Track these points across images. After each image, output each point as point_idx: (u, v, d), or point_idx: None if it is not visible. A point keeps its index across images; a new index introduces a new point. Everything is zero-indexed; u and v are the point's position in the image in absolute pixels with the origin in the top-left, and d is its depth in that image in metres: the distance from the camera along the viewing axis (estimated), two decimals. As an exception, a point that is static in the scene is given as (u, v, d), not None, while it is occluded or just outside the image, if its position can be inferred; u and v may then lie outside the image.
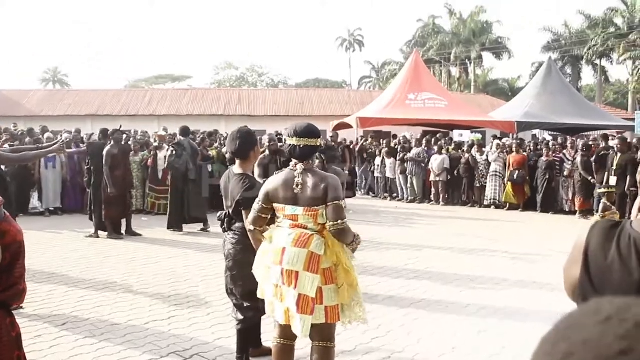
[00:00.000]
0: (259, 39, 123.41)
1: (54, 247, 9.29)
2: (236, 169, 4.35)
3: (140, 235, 9.99)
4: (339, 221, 3.55)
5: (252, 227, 3.85)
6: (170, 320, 5.61)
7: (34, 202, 13.09)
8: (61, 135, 10.38)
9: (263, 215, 3.78)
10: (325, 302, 3.57)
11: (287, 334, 3.77)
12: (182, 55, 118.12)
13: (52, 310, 5.94)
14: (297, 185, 3.63)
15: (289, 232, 3.62)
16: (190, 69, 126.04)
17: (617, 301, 0.58)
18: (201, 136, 14.55)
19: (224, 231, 4.48)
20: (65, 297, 6.40)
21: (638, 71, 41.04)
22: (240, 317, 4.36)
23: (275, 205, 3.72)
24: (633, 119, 22.40)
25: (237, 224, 4.32)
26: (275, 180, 3.78)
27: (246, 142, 4.31)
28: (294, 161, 3.75)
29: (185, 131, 11.16)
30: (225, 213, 4.40)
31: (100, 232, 10.07)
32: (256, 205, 3.80)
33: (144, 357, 4.66)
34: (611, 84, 49.42)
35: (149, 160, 13.09)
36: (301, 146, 3.69)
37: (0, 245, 2.15)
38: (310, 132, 3.75)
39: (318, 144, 3.84)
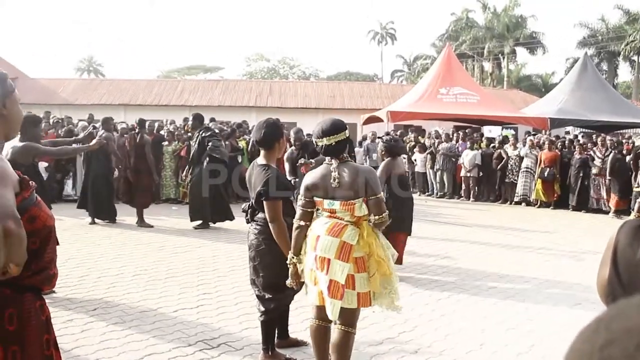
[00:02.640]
0: (290, 31, 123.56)
1: (87, 233, 9.45)
2: (260, 159, 4.39)
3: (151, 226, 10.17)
4: (383, 215, 3.73)
5: (301, 223, 3.89)
6: (199, 309, 5.67)
7: (68, 189, 13.34)
8: (97, 130, 10.45)
9: (308, 210, 3.88)
10: (357, 289, 3.70)
11: (322, 315, 3.87)
12: (214, 46, 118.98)
13: (84, 295, 6.04)
14: (334, 180, 3.75)
15: (325, 221, 3.78)
16: (222, 60, 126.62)
17: None
18: (229, 128, 14.59)
19: (247, 222, 4.52)
20: (96, 283, 6.51)
21: (677, 68, 40.08)
22: (262, 308, 4.39)
23: (315, 199, 3.84)
24: (671, 118, 21.87)
25: (260, 215, 4.35)
26: (313, 175, 3.91)
27: (272, 133, 4.33)
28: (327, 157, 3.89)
29: (199, 119, 10.39)
30: (249, 204, 4.44)
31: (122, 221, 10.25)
32: (300, 201, 3.91)
33: (172, 345, 4.71)
34: (649, 80, 48.32)
35: (182, 151, 13.19)
36: (333, 144, 3.81)
37: (30, 230, 2.19)
38: (335, 127, 3.86)
39: (347, 136, 3.92)
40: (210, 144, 9.68)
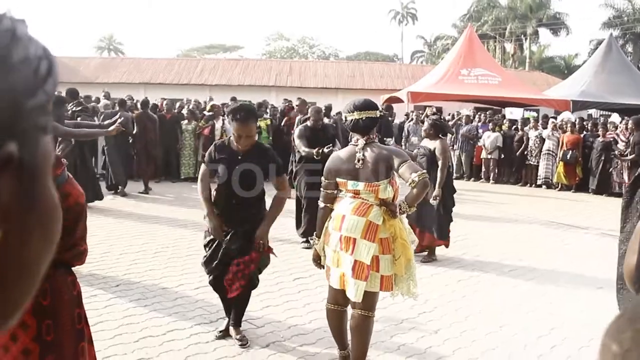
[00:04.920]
0: (310, 10, 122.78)
1: (109, 210, 9.55)
2: None
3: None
4: (422, 171, 3.61)
5: (322, 204, 3.89)
6: (220, 286, 5.71)
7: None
8: (120, 117, 10.59)
9: (330, 191, 3.85)
10: (381, 271, 3.67)
11: (337, 300, 3.87)
12: (234, 25, 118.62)
13: (106, 272, 6.12)
14: (359, 161, 3.72)
15: (350, 201, 3.72)
16: (242, 39, 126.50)
17: None
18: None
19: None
20: (118, 260, 6.59)
21: None
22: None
23: (338, 180, 3.79)
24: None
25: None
26: (337, 156, 3.88)
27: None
28: (355, 136, 3.82)
29: (71, 94, 10.48)
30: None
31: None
32: (323, 183, 3.88)
33: (194, 322, 4.77)
34: (675, 63, 47.46)
35: (206, 130, 13.19)
36: (363, 119, 3.77)
37: (63, 207, 2.22)
38: (368, 104, 3.86)
39: (378, 116, 3.89)
40: (79, 119, 9.46)
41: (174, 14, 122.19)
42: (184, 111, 14.51)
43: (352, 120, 3.80)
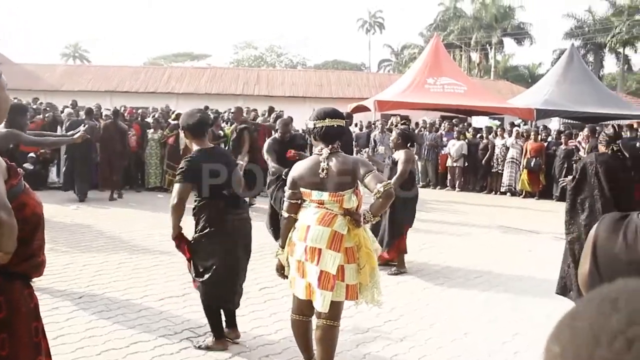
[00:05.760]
0: (278, 19, 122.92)
1: (72, 221, 9.39)
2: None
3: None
4: (386, 182, 3.61)
5: (286, 214, 3.87)
6: (185, 297, 5.66)
7: (53, 176, 13.25)
8: (85, 124, 10.49)
9: (294, 201, 3.82)
10: (346, 280, 3.66)
11: (302, 310, 3.86)
12: (201, 33, 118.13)
13: (69, 283, 6.01)
14: (323, 170, 3.68)
15: (314, 211, 3.70)
16: (210, 47, 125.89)
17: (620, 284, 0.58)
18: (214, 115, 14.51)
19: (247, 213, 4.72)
20: (81, 271, 6.48)
21: (662, 61, 40.33)
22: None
23: (302, 190, 3.76)
24: (656, 110, 22.06)
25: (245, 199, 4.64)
26: (300, 166, 3.84)
27: (205, 122, 4.53)
28: (319, 146, 3.80)
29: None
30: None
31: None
32: (287, 193, 3.86)
33: (158, 334, 4.71)
34: (634, 72, 48.69)
35: (171, 138, 13.09)
36: (335, 126, 3.78)
37: (20, 218, 2.18)
38: (337, 113, 3.90)
39: (345, 125, 3.95)
40: None
41: (141, 22, 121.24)
42: (149, 119, 14.36)
43: (321, 127, 3.77)
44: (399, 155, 6.96)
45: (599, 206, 5.33)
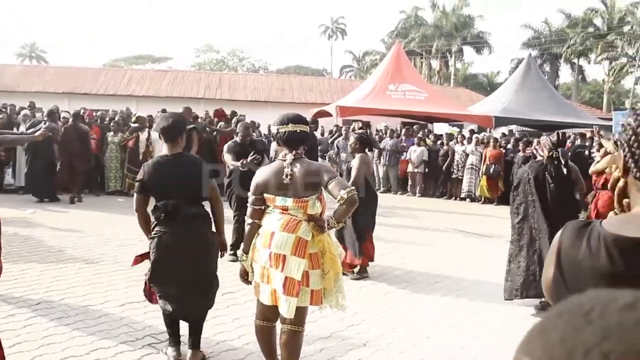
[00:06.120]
0: (240, 23, 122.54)
1: (29, 225, 9.19)
2: (165, 151, 4.28)
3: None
4: (349, 188, 3.62)
5: (249, 220, 3.84)
6: (146, 302, 5.52)
7: (8, 178, 12.94)
8: (44, 122, 10.30)
9: (257, 208, 3.79)
10: (311, 286, 3.67)
11: (266, 316, 3.85)
12: (162, 36, 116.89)
13: (26, 290, 5.87)
14: (287, 176, 3.67)
15: (278, 217, 3.68)
16: (170, 50, 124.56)
17: (590, 295, 0.58)
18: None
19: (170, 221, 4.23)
20: (39, 277, 6.34)
21: (614, 72, 41.67)
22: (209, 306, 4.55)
23: (265, 195, 3.74)
24: (607, 119, 22.79)
25: (194, 210, 4.30)
26: (264, 171, 3.83)
27: (180, 125, 4.34)
28: (283, 151, 3.80)
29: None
30: (171, 203, 4.16)
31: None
32: (250, 199, 3.83)
33: (119, 340, 4.65)
34: (587, 83, 50.15)
35: (130, 141, 12.93)
36: (298, 131, 3.78)
37: None
38: (300, 118, 3.89)
39: (309, 131, 3.95)
40: None
41: (100, 24, 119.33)
42: (107, 122, 14.14)
43: (284, 132, 3.76)
44: (354, 162, 6.98)
45: (531, 211, 5.86)
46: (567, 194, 6.01)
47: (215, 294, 4.51)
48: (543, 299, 5.87)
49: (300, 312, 3.72)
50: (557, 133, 6.42)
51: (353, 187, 3.71)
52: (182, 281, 4.24)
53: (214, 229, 4.40)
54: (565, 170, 6.04)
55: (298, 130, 3.78)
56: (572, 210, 5.89)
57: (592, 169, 8.68)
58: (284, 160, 3.74)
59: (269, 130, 10.96)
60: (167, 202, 4.15)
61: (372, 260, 7.23)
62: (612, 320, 0.52)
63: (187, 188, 4.20)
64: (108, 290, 5.96)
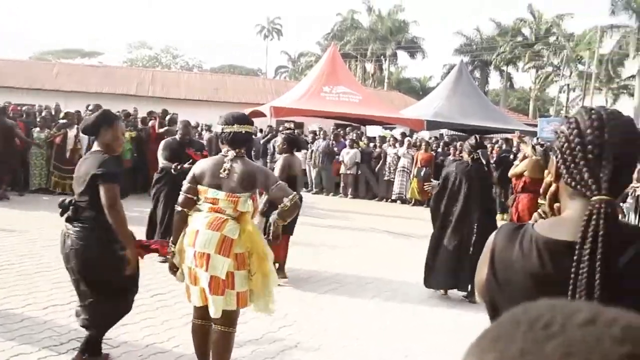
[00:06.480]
0: (175, 20, 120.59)
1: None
2: (94, 147, 4.05)
3: None
4: (294, 195, 3.68)
5: (179, 208, 3.81)
6: (71, 305, 5.39)
7: None
8: None
9: (190, 196, 3.79)
10: (236, 288, 3.64)
11: (203, 315, 3.81)
12: (93, 30, 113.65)
13: (-58, 291, 5.60)
14: (225, 171, 3.70)
15: (205, 216, 3.67)
16: (101, 45, 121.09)
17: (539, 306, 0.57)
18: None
19: (67, 221, 3.96)
20: (-44, 278, 6.06)
21: (540, 80, 43.36)
22: (94, 324, 4.04)
23: (199, 187, 3.74)
24: (533, 125, 23.67)
25: (86, 213, 3.89)
26: (204, 163, 3.86)
27: (99, 121, 3.98)
28: (225, 148, 3.80)
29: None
30: (70, 200, 3.97)
31: None
32: (184, 187, 3.82)
33: (42, 344, 4.49)
34: (515, 90, 51.95)
35: (58, 138, 12.49)
36: (243, 132, 3.79)
37: None
38: (247, 119, 3.91)
39: (252, 133, 3.97)
40: None
41: (27, 14, 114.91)
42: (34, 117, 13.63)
43: (230, 132, 3.77)
44: (277, 162, 6.91)
45: (454, 208, 6.45)
46: (487, 192, 6.70)
47: (102, 315, 4.03)
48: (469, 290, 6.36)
49: (231, 313, 3.71)
50: (475, 137, 6.93)
51: (295, 193, 3.76)
52: (76, 285, 4.07)
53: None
54: (486, 169, 6.71)
55: (243, 131, 3.80)
56: (491, 208, 6.80)
57: (512, 172, 9.06)
58: (226, 156, 3.76)
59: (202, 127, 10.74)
60: (64, 198, 4.04)
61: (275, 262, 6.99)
62: (574, 336, 0.51)
63: (78, 188, 3.95)
64: (31, 292, 5.75)
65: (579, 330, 0.52)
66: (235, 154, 3.75)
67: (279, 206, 3.70)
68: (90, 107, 13.67)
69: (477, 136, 7.04)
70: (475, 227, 6.33)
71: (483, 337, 0.56)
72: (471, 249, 6.24)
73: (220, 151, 3.88)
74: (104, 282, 3.90)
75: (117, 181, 3.82)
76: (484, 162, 6.62)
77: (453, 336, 5.20)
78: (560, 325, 0.53)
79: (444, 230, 6.51)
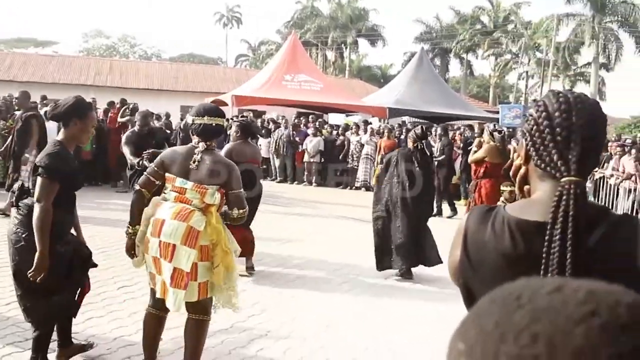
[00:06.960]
0: (132, 8, 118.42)
1: None
2: (59, 136, 3.85)
3: None
4: (244, 210, 3.74)
5: (138, 187, 3.75)
6: (35, 299, 5.30)
7: None
8: None
9: (152, 179, 3.73)
10: (199, 279, 3.60)
11: (159, 305, 3.73)
12: (46, 19, 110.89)
13: None
14: (194, 162, 3.66)
15: (170, 205, 3.62)
16: (56, 34, 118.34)
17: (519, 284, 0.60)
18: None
19: (12, 205, 3.88)
20: None
21: (499, 67, 44.00)
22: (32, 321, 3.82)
23: (167, 175, 3.69)
24: (494, 112, 24.00)
25: (27, 200, 3.77)
26: (174, 151, 3.82)
27: (71, 110, 3.79)
28: (196, 139, 3.76)
29: None
30: (21, 184, 3.90)
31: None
32: (149, 169, 3.78)
33: (6, 341, 4.38)
34: (475, 77, 52.63)
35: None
36: (213, 125, 3.75)
37: None
38: (218, 111, 3.86)
39: (224, 124, 3.95)
40: None
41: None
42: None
43: (200, 124, 3.72)
44: (222, 150, 6.52)
45: (395, 191, 6.77)
46: (428, 178, 7.03)
47: (41, 315, 3.81)
48: (404, 267, 6.68)
49: (204, 301, 3.69)
50: (421, 127, 7.34)
51: (246, 209, 3.77)
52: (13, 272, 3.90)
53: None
54: (428, 158, 7.17)
55: (214, 124, 3.76)
56: (430, 192, 7.25)
57: (471, 158, 9.23)
58: (196, 147, 3.73)
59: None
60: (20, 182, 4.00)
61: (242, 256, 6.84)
62: (540, 303, 0.55)
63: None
64: (-8, 287, 5.60)
65: (546, 298, 0.55)
66: (205, 147, 3.72)
67: (227, 210, 3.73)
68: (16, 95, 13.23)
69: (424, 126, 7.46)
70: (413, 208, 6.69)
71: (466, 318, 0.60)
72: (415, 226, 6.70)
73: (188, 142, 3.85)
74: (26, 276, 3.59)
75: (55, 178, 3.57)
76: (427, 152, 7.13)
77: (436, 326, 5.26)
78: (529, 296, 0.56)
79: (389, 213, 6.79)
